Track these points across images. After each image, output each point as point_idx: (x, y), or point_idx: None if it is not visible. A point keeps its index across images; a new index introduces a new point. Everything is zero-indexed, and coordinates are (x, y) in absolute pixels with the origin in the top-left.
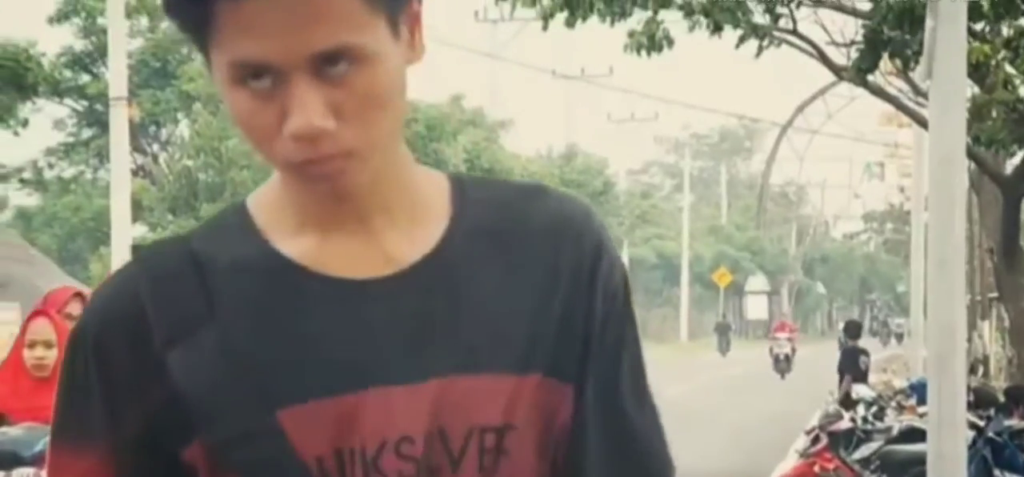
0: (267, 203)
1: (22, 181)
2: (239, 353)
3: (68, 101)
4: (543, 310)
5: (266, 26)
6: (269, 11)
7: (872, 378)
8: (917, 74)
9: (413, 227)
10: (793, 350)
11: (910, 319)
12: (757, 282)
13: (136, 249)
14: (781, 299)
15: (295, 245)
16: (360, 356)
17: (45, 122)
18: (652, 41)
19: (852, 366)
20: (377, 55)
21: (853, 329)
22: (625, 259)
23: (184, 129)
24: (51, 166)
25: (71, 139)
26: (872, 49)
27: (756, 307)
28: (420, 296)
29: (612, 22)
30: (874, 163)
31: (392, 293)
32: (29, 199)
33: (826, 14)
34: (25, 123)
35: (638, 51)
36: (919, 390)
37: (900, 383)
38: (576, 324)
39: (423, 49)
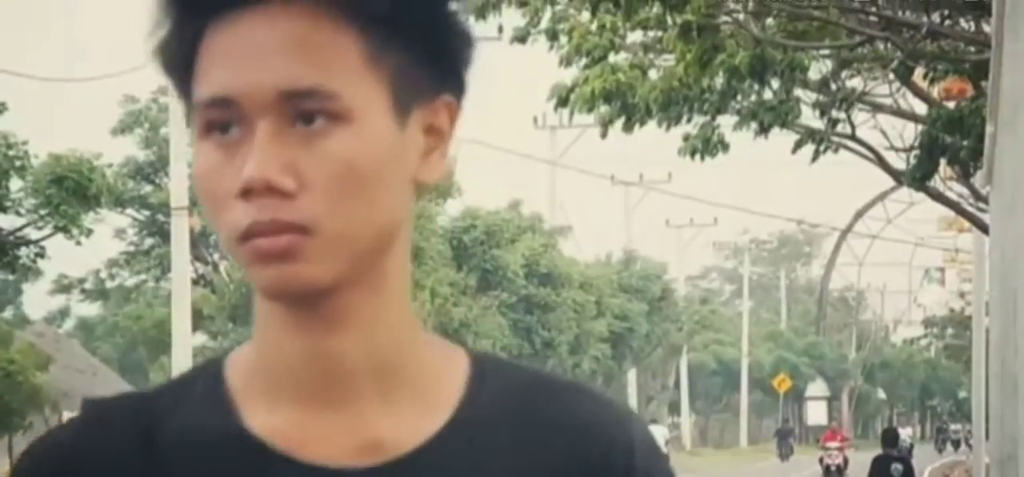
0: (245, 363)
1: (84, 291)
2: None
3: (130, 211)
4: None
5: (242, 53)
6: (251, 37)
7: None
8: (977, 179)
9: (413, 411)
10: (845, 460)
11: (970, 425)
12: (817, 388)
13: (86, 402)
14: (841, 405)
15: (266, 419)
16: None
17: (106, 232)
18: (706, 145)
19: (883, 474)
20: (363, 120)
21: (890, 437)
22: (684, 367)
23: None
24: (113, 276)
25: (132, 248)
26: (929, 155)
27: (816, 413)
28: None
29: (668, 127)
30: (934, 268)
31: None
32: (91, 309)
33: (884, 119)
34: (89, 233)
35: (692, 155)
36: None
37: None
38: None
39: (441, 173)
